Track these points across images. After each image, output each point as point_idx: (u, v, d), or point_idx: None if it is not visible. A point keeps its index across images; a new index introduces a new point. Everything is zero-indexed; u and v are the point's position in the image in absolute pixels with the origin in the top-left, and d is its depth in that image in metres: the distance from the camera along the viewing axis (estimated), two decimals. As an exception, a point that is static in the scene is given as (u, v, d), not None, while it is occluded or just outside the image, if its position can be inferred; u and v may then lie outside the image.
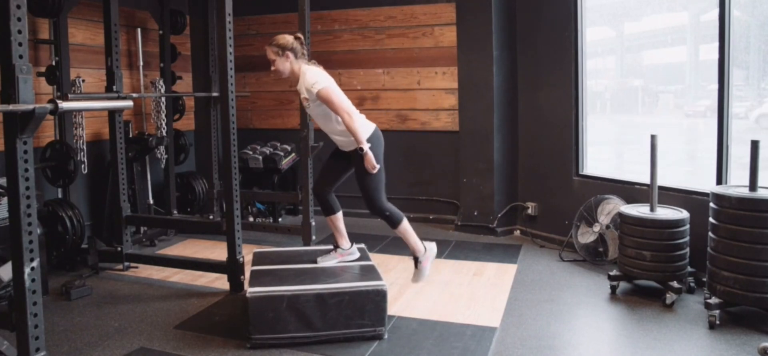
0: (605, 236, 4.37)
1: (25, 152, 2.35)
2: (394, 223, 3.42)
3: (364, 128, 3.34)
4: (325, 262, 3.53)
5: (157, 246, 5.17)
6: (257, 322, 3.04)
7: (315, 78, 3.26)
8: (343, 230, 3.63)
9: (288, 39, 3.34)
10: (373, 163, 3.26)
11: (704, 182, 3.93)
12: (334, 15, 6.16)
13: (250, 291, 3.07)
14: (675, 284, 3.59)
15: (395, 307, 3.63)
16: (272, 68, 3.39)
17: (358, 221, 6.12)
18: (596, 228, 4.38)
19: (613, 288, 3.87)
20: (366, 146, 3.23)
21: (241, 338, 3.19)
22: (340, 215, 3.61)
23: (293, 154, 6.01)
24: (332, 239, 3.69)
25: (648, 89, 5.07)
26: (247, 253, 3.98)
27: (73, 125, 4.72)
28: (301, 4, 4.68)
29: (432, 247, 3.54)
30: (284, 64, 3.35)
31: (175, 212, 5.65)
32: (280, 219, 6.02)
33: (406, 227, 3.44)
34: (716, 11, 3.78)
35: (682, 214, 3.71)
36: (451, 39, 5.70)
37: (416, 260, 3.51)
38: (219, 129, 5.74)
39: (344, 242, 3.62)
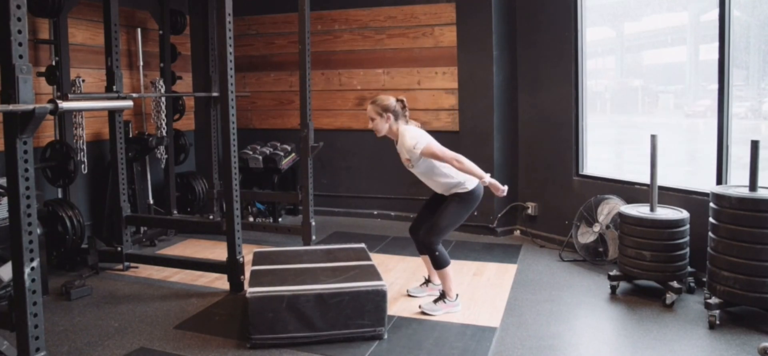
0: (605, 236, 4.37)
1: (25, 152, 2.35)
2: (441, 265, 3.53)
3: (469, 179, 3.50)
4: (416, 293, 3.81)
5: (157, 246, 5.17)
6: (257, 322, 3.04)
7: (414, 139, 3.39)
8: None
9: (390, 102, 3.49)
10: (501, 187, 3.44)
11: (704, 182, 3.93)
12: (334, 15, 6.16)
13: (250, 291, 3.06)
14: (675, 284, 3.59)
15: (395, 307, 3.63)
16: (370, 125, 3.54)
17: (357, 221, 6.13)
18: (596, 228, 4.38)
19: (613, 288, 3.87)
20: (487, 178, 3.42)
21: (241, 338, 3.19)
22: None
23: (293, 154, 6.01)
24: (428, 276, 3.91)
25: (648, 89, 5.06)
26: (247, 253, 3.98)
27: (73, 125, 4.72)
28: (301, 4, 4.68)
29: (458, 305, 3.60)
30: (383, 125, 3.50)
31: (175, 212, 5.65)
32: (280, 219, 6.02)
33: (448, 273, 3.56)
34: (716, 11, 3.79)
35: (682, 214, 3.71)
36: (451, 39, 5.70)
37: (442, 295, 3.59)
38: (219, 129, 5.74)
39: (436, 277, 3.78)
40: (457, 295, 3.61)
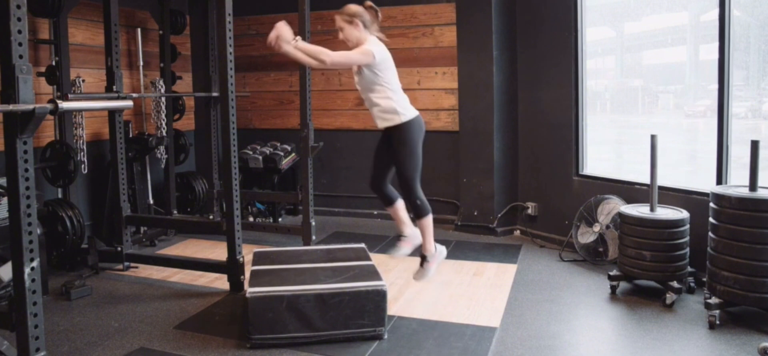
0: (605, 236, 4.37)
1: (25, 152, 2.35)
2: (421, 214, 3.41)
3: (407, 110, 3.35)
4: (397, 254, 3.62)
5: (157, 246, 5.17)
6: (257, 322, 3.04)
7: (371, 44, 3.25)
8: (405, 218, 3.59)
9: (359, 8, 3.34)
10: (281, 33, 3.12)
11: (704, 182, 3.93)
12: (334, 15, 6.13)
13: (250, 291, 3.07)
14: (675, 284, 3.59)
15: (395, 307, 3.63)
16: (340, 36, 3.38)
17: (357, 221, 6.13)
18: (596, 228, 4.38)
19: (613, 288, 3.86)
20: (298, 41, 3.13)
21: (241, 338, 3.19)
22: (399, 204, 3.57)
23: (293, 154, 6.01)
24: (397, 230, 3.72)
25: (648, 89, 5.06)
26: (247, 253, 3.98)
27: (73, 125, 4.72)
28: (301, 4, 4.68)
29: (442, 250, 3.56)
30: (352, 33, 3.34)
31: (175, 212, 5.65)
32: (280, 219, 6.02)
33: (429, 223, 3.44)
34: (716, 11, 3.78)
35: (682, 214, 3.71)
36: (451, 39, 5.70)
37: (423, 259, 3.52)
38: (219, 129, 5.74)
39: (406, 228, 3.61)
40: (436, 246, 3.51)
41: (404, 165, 3.35)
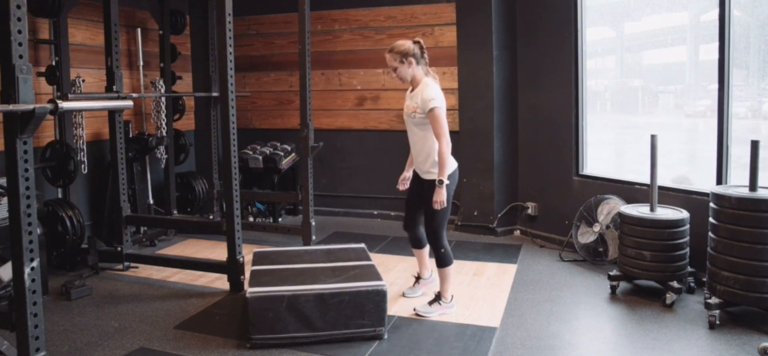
0: (605, 236, 4.37)
1: (25, 152, 2.35)
2: (444, 263, 3.47)
3: (451, 162, 3.40)
4: (412, 294, 3.77)
5: (157, 246, 5.17)
6: (257, 322, 3.04)
7: (433, 94, 3.29)
8: (428, 263, 3.75)
9: (408, 45, 3.38)
10: (443, 198, 3.30)
11: (704, 182, 3.93)
12: (334, 15, 6.16)
13: (250, 291, 3.07)
14: (675, 284, 3.59)
15: (395, 307, 3.63)
16: (393, 75, 3.45)
17: (357, 221, 6.12)
18: (596, 228, 4.38)
19: (613, 288, 3.87)
20: (445, 181, 3.28)
21: (241, 338, 3.19)
22: (426, 250, 3.71)
23: (293, 154, 6.01)
24: (417, 271, 3.89)
25: (648, 89, 5.06)
26: (247, 253, 3.98)
27: (73, 125, 4.72)
28: (301, 4, 4.69)
29: (453, 306, 3.57)
30: (407, 71, 3.40)
31: (175, 212, 5.65)
32: (280, 219, 6.02)
33: (450, 272, 3.51)
34: (716, 11, 3.79)
35: (682, 214, 3.71)
36: (451, 39, 5.70)
37: (437, 297, 3.55)
38: (219, 129, 5.74)
39: (426, 272, 3.79)
40: (452, 297, 3.58)
41: (433, 216, 3.41)
